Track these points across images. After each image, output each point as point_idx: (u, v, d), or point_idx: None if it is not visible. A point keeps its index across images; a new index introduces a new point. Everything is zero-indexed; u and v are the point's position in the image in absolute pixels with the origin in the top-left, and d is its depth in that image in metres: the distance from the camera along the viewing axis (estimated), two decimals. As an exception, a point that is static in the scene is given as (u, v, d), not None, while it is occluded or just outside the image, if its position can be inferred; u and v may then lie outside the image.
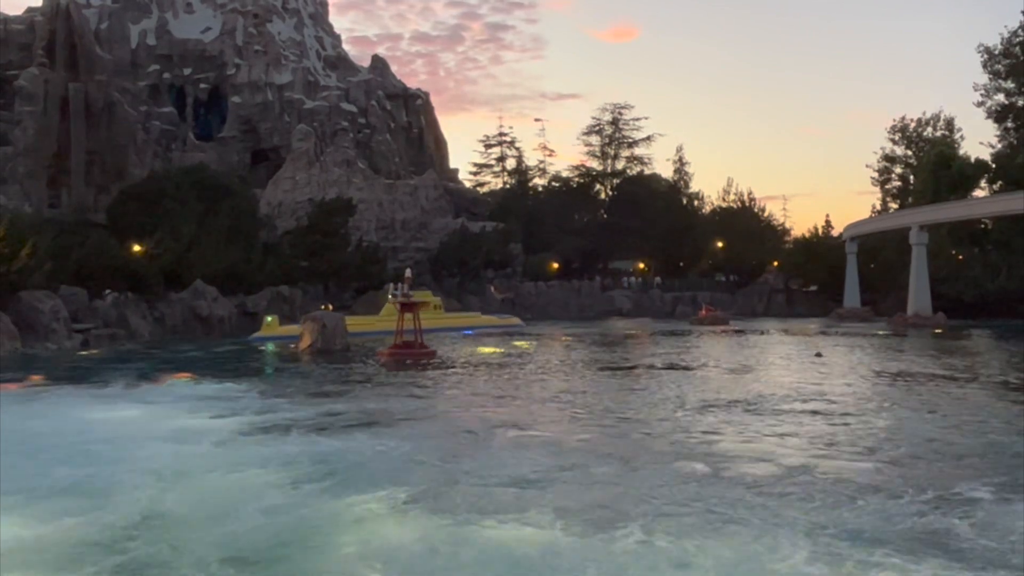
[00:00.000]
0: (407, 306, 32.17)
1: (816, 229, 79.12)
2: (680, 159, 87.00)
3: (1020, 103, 65.33)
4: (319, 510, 10.21)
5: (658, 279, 74.61)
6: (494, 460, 12.92)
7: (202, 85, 79.73)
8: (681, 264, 78.28)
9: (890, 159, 79.81)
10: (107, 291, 43.98)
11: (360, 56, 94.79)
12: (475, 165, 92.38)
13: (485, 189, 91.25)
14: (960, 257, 63.93)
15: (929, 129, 77.05)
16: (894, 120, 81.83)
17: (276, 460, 12.89)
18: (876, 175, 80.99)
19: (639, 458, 13.10)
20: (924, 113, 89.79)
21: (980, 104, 66.80)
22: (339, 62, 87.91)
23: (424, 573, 8.19)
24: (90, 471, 12.13)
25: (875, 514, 9.97)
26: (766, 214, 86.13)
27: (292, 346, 35.71)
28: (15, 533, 9.19)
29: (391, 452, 13.59)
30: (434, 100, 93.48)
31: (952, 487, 11.24)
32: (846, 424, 16.23)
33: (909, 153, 78.41)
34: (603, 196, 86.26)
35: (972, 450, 13.81)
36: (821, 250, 71.70)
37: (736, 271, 76.55)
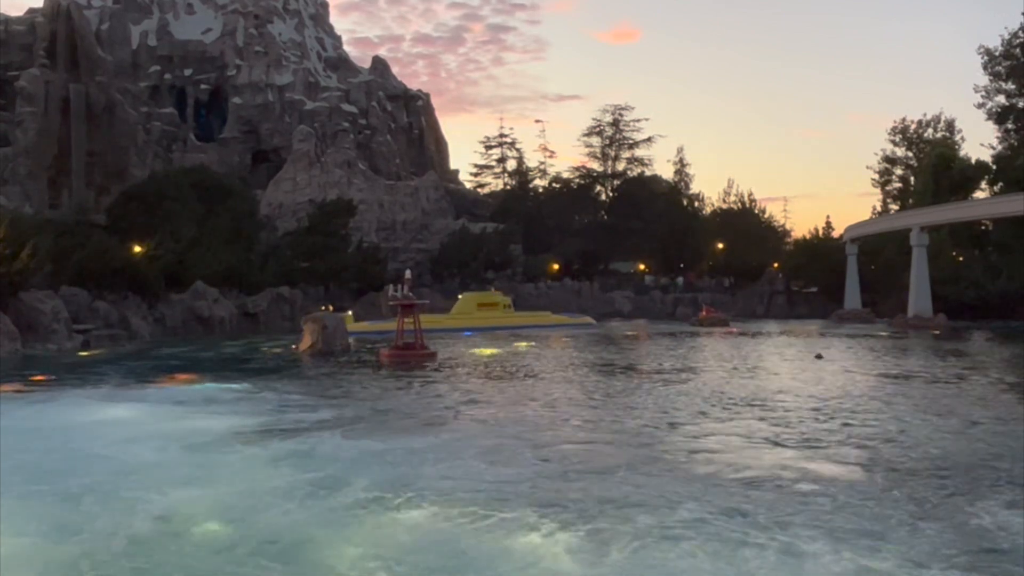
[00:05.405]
0: (407, 307, 32.15)
1: (817, 230, 79.21)
2: (681, 160, 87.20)
3: (1021, 104, 65.27)
4: (320, 510, 10.23)
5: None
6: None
7: (203, 86, 79.84)
8: (681, 265, 78.30)
9: (891, 160, 79.86)
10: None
11: (361, 57, 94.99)
12: (476, 166, 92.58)
13: (486, 190, 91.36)
14: (960, 259, 63.88)
15: (930, 130, 77.14)
16: (895, 121, 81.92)
17: (286, 460, 12.93)
18: (877, 176, 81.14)
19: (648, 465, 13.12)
20: (925, 114, 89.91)
21: (981, 106, 66.86)
22: (340, 63, 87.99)
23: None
24: (94, 473, 12.13)
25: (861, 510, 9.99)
26: (767, 215, 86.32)
27: (293, 347, 35.73)
28: (14, 541, 9.10)
29: (399, 451, 13.61)
30: (435, 101, 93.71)
31: (946, 486, 11.27)
32: (845, 424, 16.25)
33: (910, 154, 78.45)
34: (603, 197, 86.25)
35: (966, 448, 13.82)
36: (822, 252, 71.65)
37: (736, 272, 76.56)
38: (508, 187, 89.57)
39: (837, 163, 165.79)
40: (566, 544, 8.97)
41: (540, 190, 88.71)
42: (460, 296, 54.79)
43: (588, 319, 54.84)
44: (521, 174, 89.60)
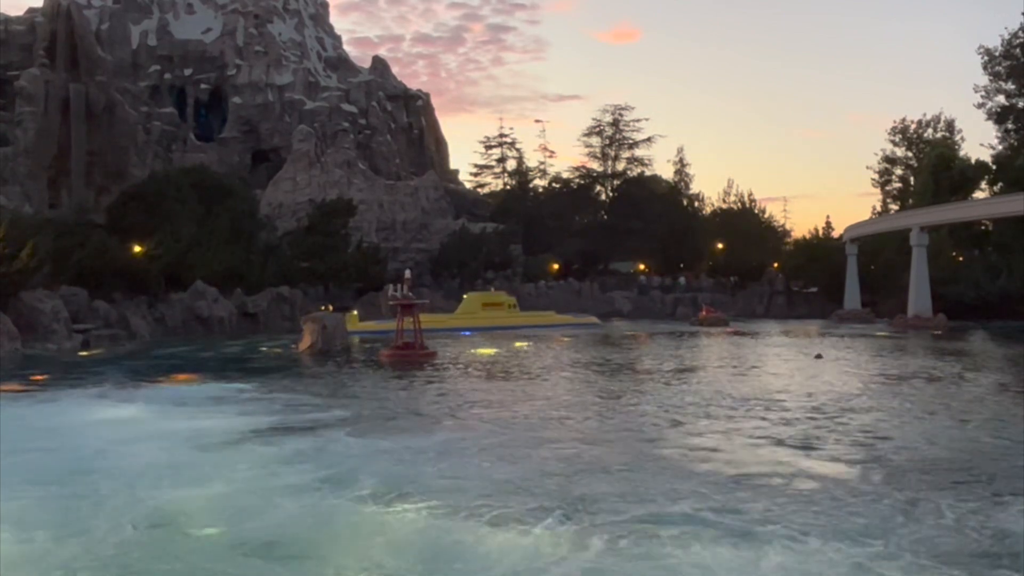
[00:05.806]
0: (407, 307, 32.17)
1: (817, 231, 79.12)
2: (681, 160, 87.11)
3: (1020, 104, 65.31)
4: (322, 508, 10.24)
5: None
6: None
7: (203, 86, 79.76)
8: (681, 265, 78.31)
9: (890, 160, 79.87)
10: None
11: (361, 57, 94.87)
12: (476, 166, 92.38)
13: (486, 190, 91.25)
14: (960, 259, 63.87)
15: (929, 130, 77.12)
16: (894, 122, 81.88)
17: (290, 459, 12.96)
18: (876, 176, 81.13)
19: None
20: (924, 114, 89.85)
21: (980, 106, 66.88)
22: (340, 63, 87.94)
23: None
24: (94, 473, 12.13)
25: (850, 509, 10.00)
26: (767, 215, 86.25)
27: (292, 347, 35.75)
28: (14, 541, 9.09)
29: (404, 449, 13.62)
30: (435, 101, 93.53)
31: (943, 485, 11.28)
32: (844, 423, 16.26)
33: (909, 154, 78.45)
34: (603, 197, 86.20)
35: (964, 447, 13.84)
36: (822, 252, 71.61)
37: (736, 272, 76.55)
38: (508, 187, 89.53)
39: (837, 163, 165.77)
40: (568, 539, 9.01)
41: (540, 190, 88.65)
42: (465, 296, 54.78)
43: (593, 319, 54.86)
44: (521, 174, 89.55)
